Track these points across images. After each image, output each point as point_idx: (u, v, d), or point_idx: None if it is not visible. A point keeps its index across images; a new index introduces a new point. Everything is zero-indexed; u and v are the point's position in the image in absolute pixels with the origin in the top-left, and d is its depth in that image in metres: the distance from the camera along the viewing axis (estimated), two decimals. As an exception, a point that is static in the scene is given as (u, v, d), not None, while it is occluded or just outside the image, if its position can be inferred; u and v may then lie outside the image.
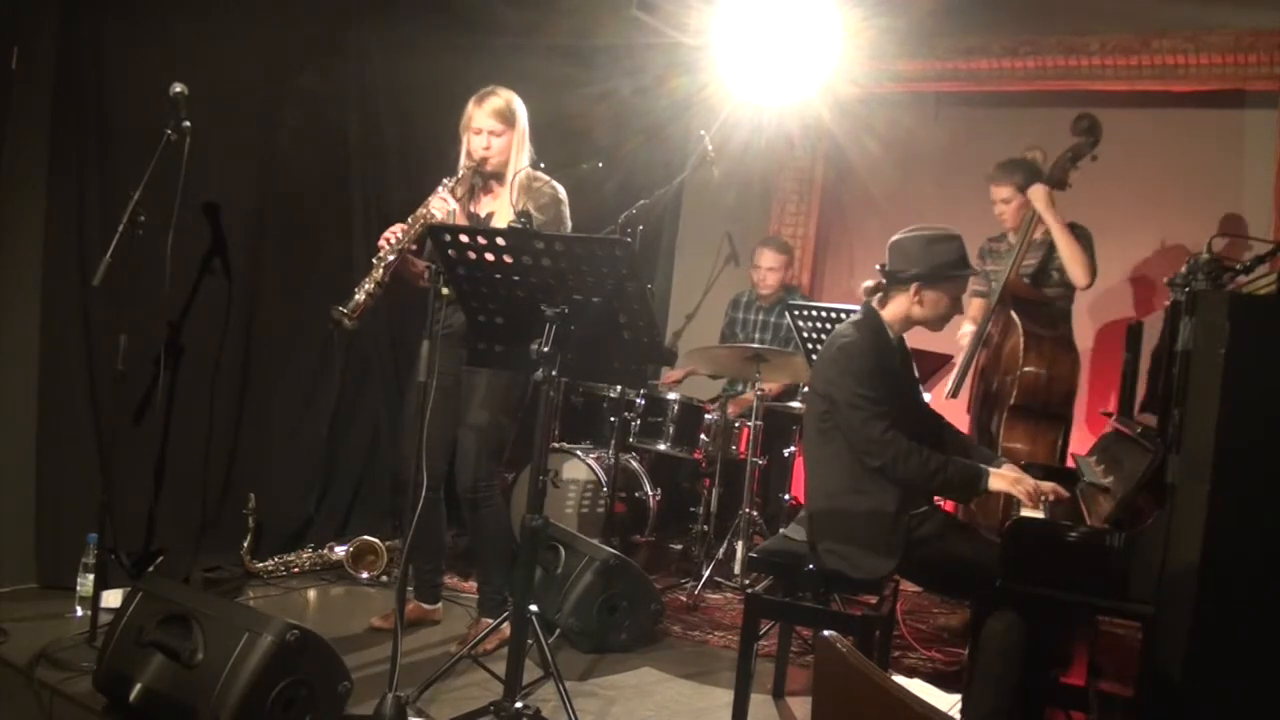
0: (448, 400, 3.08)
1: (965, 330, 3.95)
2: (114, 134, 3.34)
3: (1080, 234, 3.68)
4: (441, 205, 2.97)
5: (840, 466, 2.63)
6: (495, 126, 3.08)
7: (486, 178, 3.15)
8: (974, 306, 3.94)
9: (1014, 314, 3.59)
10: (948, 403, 3.83)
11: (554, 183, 3.19)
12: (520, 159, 3.14)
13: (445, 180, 3.03)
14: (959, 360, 3.88)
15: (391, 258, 2.92)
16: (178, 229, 3.05)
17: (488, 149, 3.08)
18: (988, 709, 2.35)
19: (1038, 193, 3.65)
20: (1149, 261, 4.83)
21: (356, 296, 2.86)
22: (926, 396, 3.28)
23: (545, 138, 3.32)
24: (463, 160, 3.11)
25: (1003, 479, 2.57)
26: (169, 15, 3.43)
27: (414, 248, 3.02)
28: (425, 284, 3.20)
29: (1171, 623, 1.94)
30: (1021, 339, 3.49)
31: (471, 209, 3.16)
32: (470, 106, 3.11)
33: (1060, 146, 3.76)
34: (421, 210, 2.97)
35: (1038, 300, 3.69)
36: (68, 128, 3.26)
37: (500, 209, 3.13)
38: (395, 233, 2.96)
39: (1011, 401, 3.50)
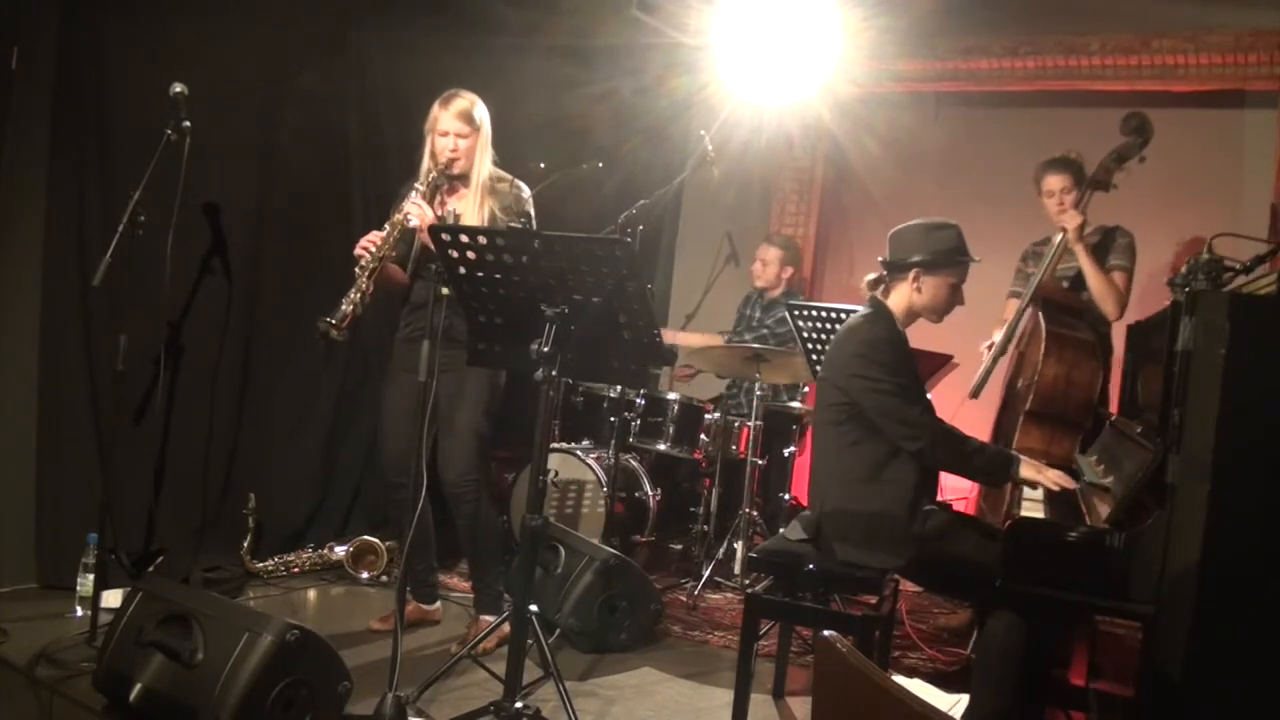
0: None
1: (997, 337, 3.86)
2: (114, 134, 3.34)
3: (1121, 247, 3.61)
4: (417, 210, 2.98)
5: (856, 457, 2.64)
6: (461, 129, 3.09)
7: (452, 179, 3.16)
8: (1010, 307, 3.89)
9: (1040, 316, 3.49)
10: (969, 404, 3.81)
11: (518, 182, 3.22)
12: (484, 160, 3.16)
13: (416, 185, 3.05)
14: (984, 360, 3.81)
15: (374, 265, 2.94)
16: (178, 229, 3.05)
17: (455, 151, 3.09)
18: (988, 709, 2.35)
19: (1072, 220, 3.54)
20: (1149, 261, 4.82)
21: (343, 307, 2.89)
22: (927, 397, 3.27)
23: (545, 138, 3.33)
24: (426, 162, 3.12)
25: (1030, 466, 2.62)
26: (169, 15, 3.43)
27: (393, 254, 3.03)
28: (406, 284, 3.22)
29: (1171, 623, 1.94)
30: (1044, 342, 3.39)
31: (438, 210, 3.17)
32: (435, 109, 3.12)
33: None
34: (397, 216, 2.99)
35: (1071, 304, 3.58)
36: (68, 128, 3.26)
37: (466, 209, 3.14)
38: (374, 240, 2.97)
39: (1027, 406, 3.40)
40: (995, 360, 3.76)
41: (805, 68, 4.24)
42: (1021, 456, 2.65)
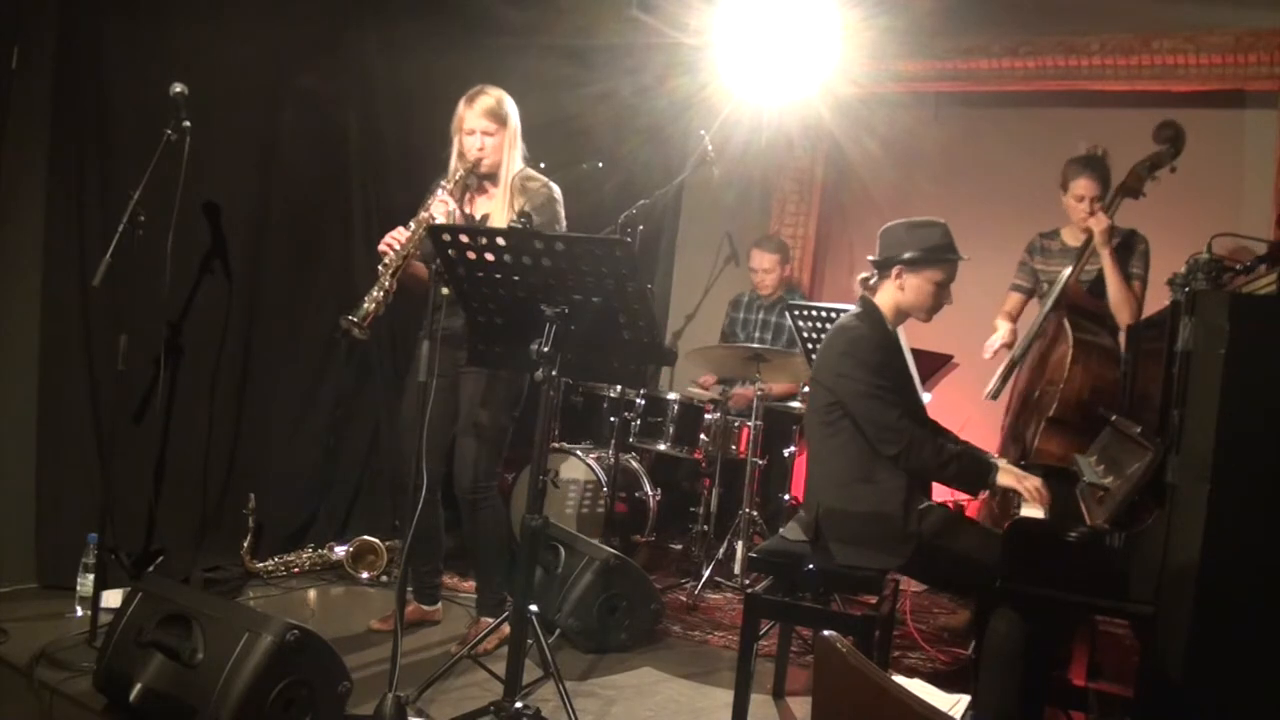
0: (444, 402, 3.08)
1: (1000, 332, 3.85)
2: (114, 134, 3.34)
3: (1140, 254, 3.59)
4: (442, 208, 2.93)
5: (847, 457, 2.64)
6: (488, 126, 3.06)
7: (481, 178, 3.13)
8: (1011, 301, 3.88)
9: (1066, 322, 3.43)
10: (986, 404, 3.79)
11: (548, 181, 3.17)
12: (513, 158, 3.13)
13: (442, 182, 3.00)
14: (1004, 360, 3.78)
15: (398, 263, 2.86)
16: (178, 229, 3.05)
17: (481, 149, 3.05)
18: (989, 709, 2.35)
19: (1099, 224, 3.50)
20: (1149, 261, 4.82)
21: (365, 305, 2.79)
22: (926, 397, 3.26)
23: (545, 138, 3.32)
24: (454, 161, 3.08)
25: (1010, 474, 2.60)
26: (169, 15, 3.43)
27: (418, 253, 2.96)
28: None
29: (1171, 623, 1.94)
30: (1070, 349, 3.34)
31: (466, 210, 3.14)
32: (461, 107, 3.08)
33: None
34: (423, 214, 2.92)
35: (1094, 310, 3.55)
36: (68, 128, 3.26)
37: (495, 210, 3.12)
38: (398, 238, 2.91)
39: (1050, 413, 3.35)
40: (1016, 362, 3.72)
41: (805, 68, 4.25)
42: (1001, 464, 2.63)
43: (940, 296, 2.76)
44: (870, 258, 2.80)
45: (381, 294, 2.83)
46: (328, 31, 4.08)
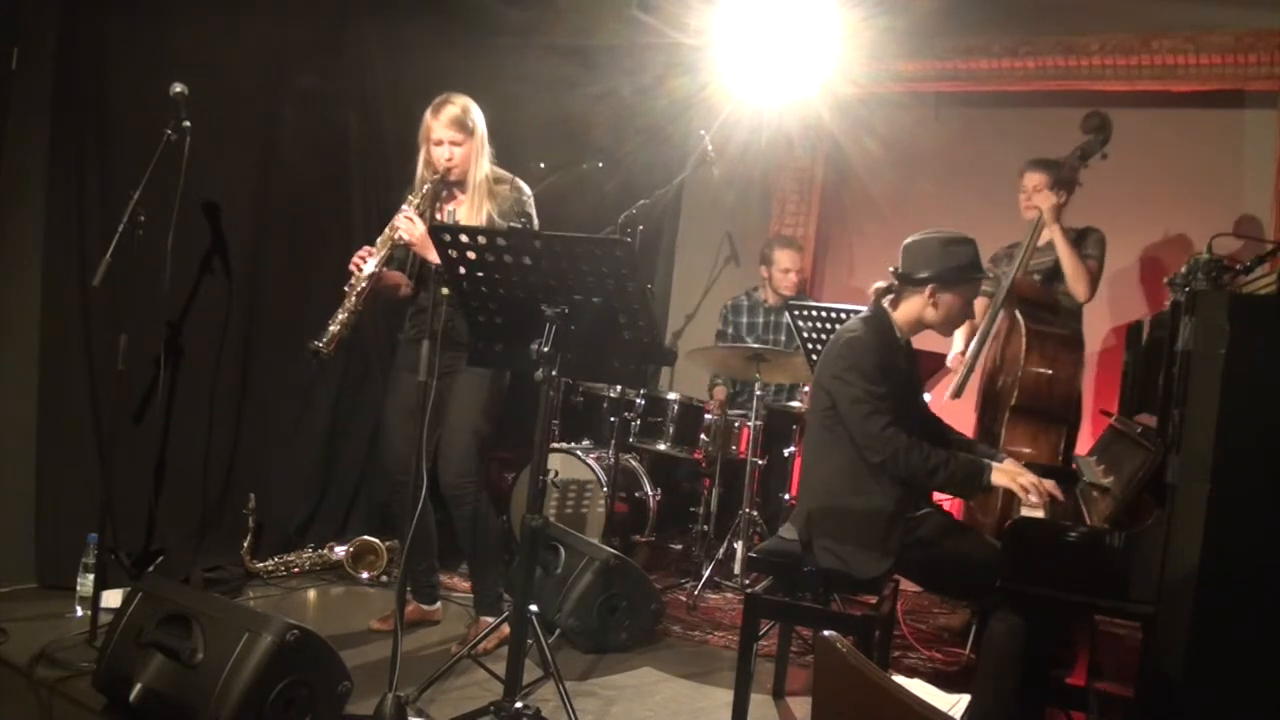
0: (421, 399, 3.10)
1: (959, 339, 3.95)
2: (114, 134, 3.34)
3: (1094, 239, 3.68)
4: (408, 225, 2.96)
5: (841, 462, 2.63)
6: (455, 136, 3.07)
7: (449, 185, 3.15)
8: (975, 307, 3.94)
9: (1018, 313, 3.56)
10: (950, 404, 3.82)
11: (517, 181, 3.20)
12: (481, 164, 3.14)
13: (409, 198, 3.04)
14: (962, 360, 3.86)
15: (364, 285, 2.95)
16: (178, 229, 3.05)
17: (450, 159, 3.07)
18: (989, 710, 2.35)
19: (1046, 200, 3.64)
20: (1149, 261, 4.83)
21: (330, 329, 2.90)
22: (926, 398, 3.27)
23: (545, 138, 3.33)
24: (421, 171, 3.10)
25: (1004, 474, 2.55)
26: (169, 15, 3.43)
27: (380, 273, 3.02)
28: (405, 294, 3.22)
29: (1171, 623, 1.94)
30: (1024, 338, 3.47)
31: (436, 218, 3.16)
32: (427, 117, 3.10)
33: (1062, 147, 3.77)
34: (388, 233, 2.99)
35: (1045, 300, 3.66)
36: (68, 128, 3.26)
37: (463, 215, 3.13)
38: (365, 257, 2.98)
39: (1013, 402, 3.46)
40: (975, 360, 3.79)
41: (805, 68, 4.25)
42: (994, 464, 2.59)
43: (967, 311, 2.76)
44: (894, 269, 2.73)
45: (346, 316, 2.93)
46: (328, 31, 4.08)
